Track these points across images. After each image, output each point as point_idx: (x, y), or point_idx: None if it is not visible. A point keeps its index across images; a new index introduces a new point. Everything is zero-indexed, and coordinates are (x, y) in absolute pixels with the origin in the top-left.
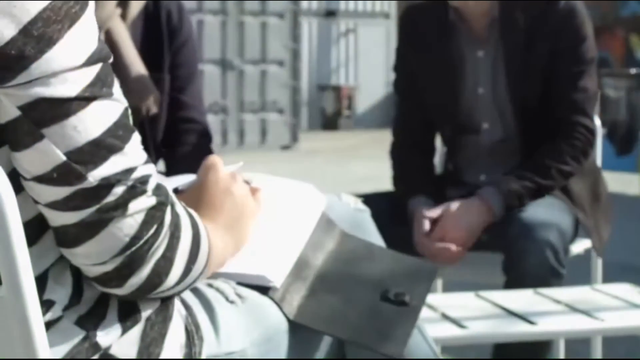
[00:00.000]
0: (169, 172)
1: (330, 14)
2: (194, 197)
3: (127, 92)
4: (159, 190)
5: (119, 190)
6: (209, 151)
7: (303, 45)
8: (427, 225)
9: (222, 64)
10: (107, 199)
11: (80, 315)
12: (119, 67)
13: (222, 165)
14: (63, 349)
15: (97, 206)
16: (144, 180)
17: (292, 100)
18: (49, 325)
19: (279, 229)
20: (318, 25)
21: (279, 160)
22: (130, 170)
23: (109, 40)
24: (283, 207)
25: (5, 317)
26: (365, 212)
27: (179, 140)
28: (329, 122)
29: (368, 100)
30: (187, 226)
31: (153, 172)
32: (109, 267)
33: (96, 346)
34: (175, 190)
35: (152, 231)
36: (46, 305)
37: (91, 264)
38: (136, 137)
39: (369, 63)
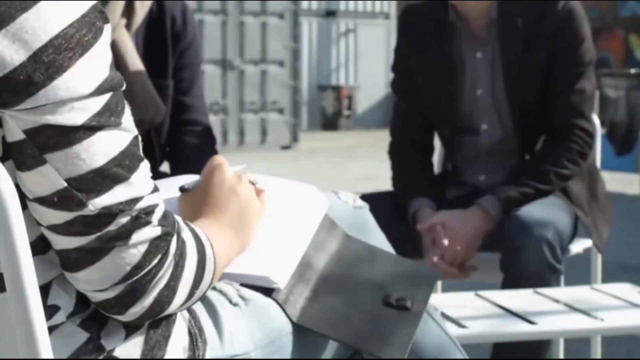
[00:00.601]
0: (173, 173)
1: (330, 14)
2: (200, 196)
3: (132, 105)
4: (165, 220)
5: (122, 220)
6: (213, 152)
7: (303, 45)
8: (443, 240)
9: (222, 64)
10: (109, 227)
11: (83, 318)
12: (125, 80)
13: (227, 165)
14: (67, 351)
15: (98, 234)
16: (149, 210)
17: (292, 100)
18: (52, 328)
19: (282, 230)
20: (318, 25)
21: (279, 160)
22: (135, 201)
23: (114, 52)
24: (287, 209)
25: (8, 318)
26: (364, 209)
27: (182, 142)
28: (329, 122)
29: (368, 100)
30: (193, 252)
31: (160, 201)
32: (110, 295)
33: (100, 348)
34: (182, 189)
35: (155, 261)
36: (50, 310)
37: (92, 290)
38: (144, 166)
39: (369, 63)
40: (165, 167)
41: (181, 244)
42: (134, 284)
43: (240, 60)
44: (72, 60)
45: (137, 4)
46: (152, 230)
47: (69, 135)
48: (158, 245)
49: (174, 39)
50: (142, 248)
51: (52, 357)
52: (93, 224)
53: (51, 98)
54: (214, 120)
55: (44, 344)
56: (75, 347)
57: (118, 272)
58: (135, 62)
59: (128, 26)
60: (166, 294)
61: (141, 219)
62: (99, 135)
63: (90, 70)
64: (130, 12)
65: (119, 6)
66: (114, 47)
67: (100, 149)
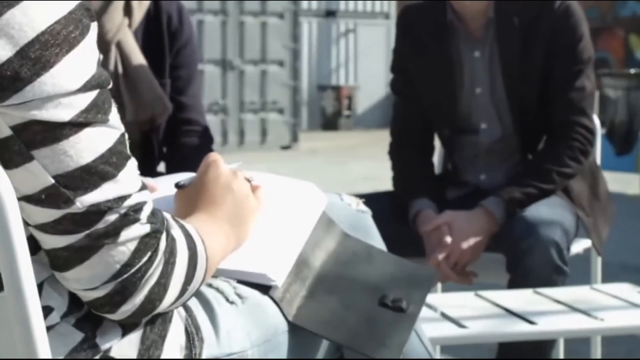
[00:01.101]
0: (169, 173)
1: (330, 14)
2: (195, 192)
3: (140, 105)
4: (154, 217)
5: (110, 217)
6: (210, 152)
7: (303, 45)
8: (447, 238)
9: (222, 64)
10: (97, 225)
11: (78, 317)
12: (132, 80)
13: (222, 162)
14: (62, 351)
15: (87, 232)
16: (138, 208)
17: (292, 100)
18: (47, 329)
19: (279, 226)
20: (318, 25)
21: (279, 160)
22: (123, 198)
23: (120, 52)
24: (284, 205)
25: (6, 318)
26: (367, 214)
27: (179, 141)
28: (329, 122)
29: (368, 100)
30: (183, 249)
31: (148, 199)
32: (100, 293)
33: (95, 348)
34: (177, 185)
35: (144, 259)
36: (44, 311)
37: (82, 289)
38: (132, 164)
39: (369, 63)
40: (161, 167)
41: (171, 241)
42: (124, 282)
43: (240, 60)
44: (58, 56)
45: (135, 4)
46: (140, 228)
47: (56, 131)
48: (147, 243)
49: (170, 38)
50: (131, 246)
51: (50, 357)
52: (81, 222)
53: (38, 94)
54: (213, 120)
55: (42, 344)
56: (71, 347)
57: (107, 271)
58: (141, 62)
59: (128, 26)
60: (157, 292)
61: (129, 217)
62: (86, 132)
63: (77, 66)
64: (128, 12)
65: (120, 6)
66: (120, 48)
67: (87, 145)
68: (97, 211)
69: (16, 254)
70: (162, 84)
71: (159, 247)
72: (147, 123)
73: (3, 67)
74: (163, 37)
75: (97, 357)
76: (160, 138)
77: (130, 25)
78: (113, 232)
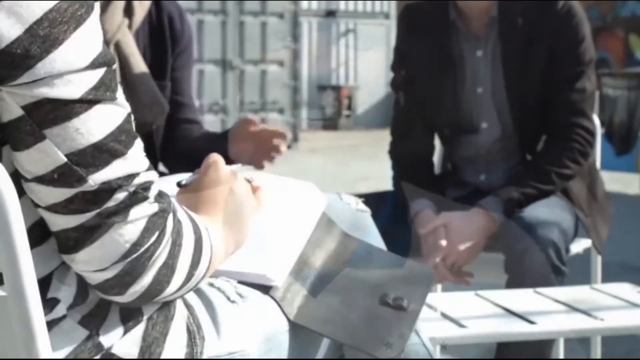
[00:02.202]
0: (170, 173)
1: (330, 14)
2: (195, 193)
3: (137, 106)
4: (161, 197)
5: (120, 195)
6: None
7: (303, 45)
8: (443, 241)
9: (222, 64)
10: (108, 203)
11: (83, 315)
12: (130, 81)
13: (223, 163)
14: (66, 349)
15: (98, 210)
16: (146, 186)
17: (292, 100)
18: (52, 324)
19: (279, 227)
20: (318, 25)
21: (279, 160)
22: (132, 176)
23: (119, 53)
24: (284, 206)
25: (7, 317)
26: (366, 213)
27: (178, 141)
28: (329, 122)
29: (368, 100)
30: (189, 232)
31: (155, 179)
32: (109, 274)
33: (99, 346)
34: (179, 185)
35: (153, 238)
36: (50, 303)
37: (92, 271)
38: (139, 143)
39: (369, 63)
40: (162, 167)
41: (177, 222)
42: (133, 262)
43: (240, 60)
44: (66, 33)
45: (136, 4)
46: (149, 207)
47: (67, 109)
48: (156, 222)
49: (172, 40)
50: (140, 225)
51: (51, 357)
52: (92, 200)
53: (49, 71)
54: (213, 120)
55: (44, 344)
56: (75, 344)
57: (117, 250)
58: (140, 64)
59: (129, 26)
60: (165, 273)
61: (139, 195)
62: (96, 109)
63: (85, 43)
64: (129, 13)
65: (120, 6)
66: (119, 49)
67: (98, 123)
68: (108, 189)
69: (17, 253)
70: (163, 85)
71: (166, 227)
72: (145, 125)
73: (13, 45)
74: (165, 38)
75: (99, 355)
76: (159, 139)
77: (130, 26)
78: (123, 211)
